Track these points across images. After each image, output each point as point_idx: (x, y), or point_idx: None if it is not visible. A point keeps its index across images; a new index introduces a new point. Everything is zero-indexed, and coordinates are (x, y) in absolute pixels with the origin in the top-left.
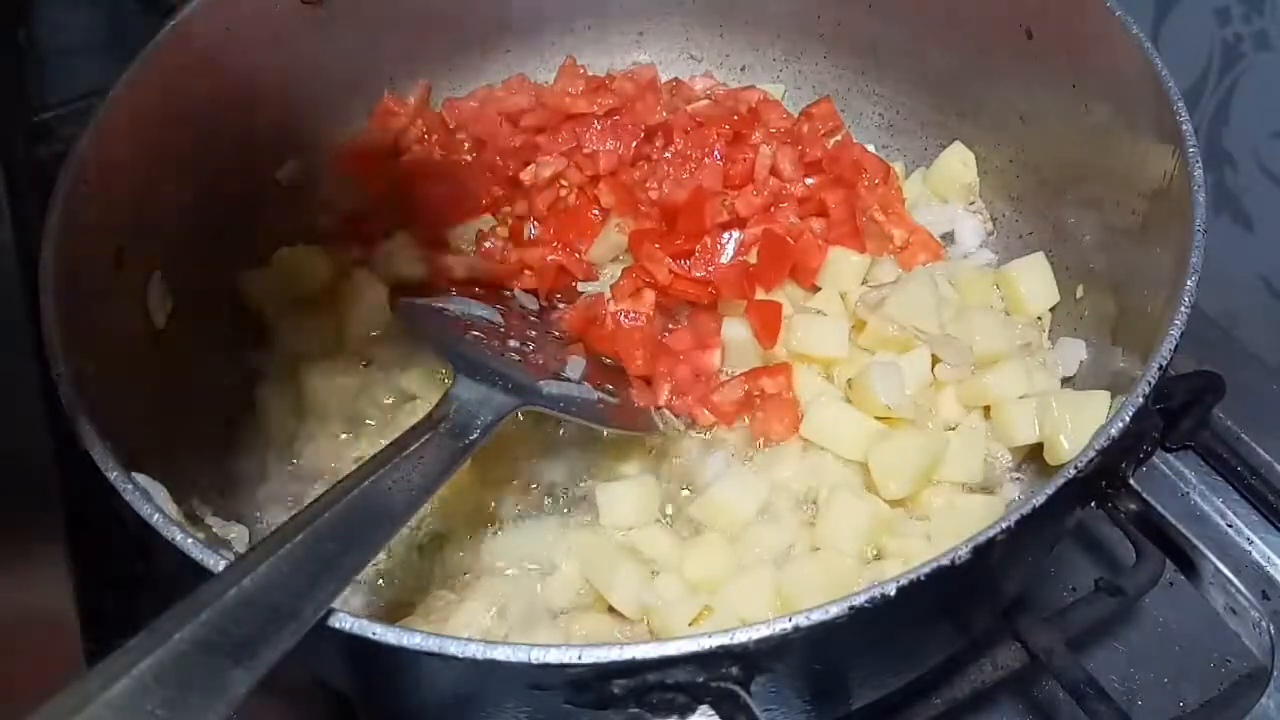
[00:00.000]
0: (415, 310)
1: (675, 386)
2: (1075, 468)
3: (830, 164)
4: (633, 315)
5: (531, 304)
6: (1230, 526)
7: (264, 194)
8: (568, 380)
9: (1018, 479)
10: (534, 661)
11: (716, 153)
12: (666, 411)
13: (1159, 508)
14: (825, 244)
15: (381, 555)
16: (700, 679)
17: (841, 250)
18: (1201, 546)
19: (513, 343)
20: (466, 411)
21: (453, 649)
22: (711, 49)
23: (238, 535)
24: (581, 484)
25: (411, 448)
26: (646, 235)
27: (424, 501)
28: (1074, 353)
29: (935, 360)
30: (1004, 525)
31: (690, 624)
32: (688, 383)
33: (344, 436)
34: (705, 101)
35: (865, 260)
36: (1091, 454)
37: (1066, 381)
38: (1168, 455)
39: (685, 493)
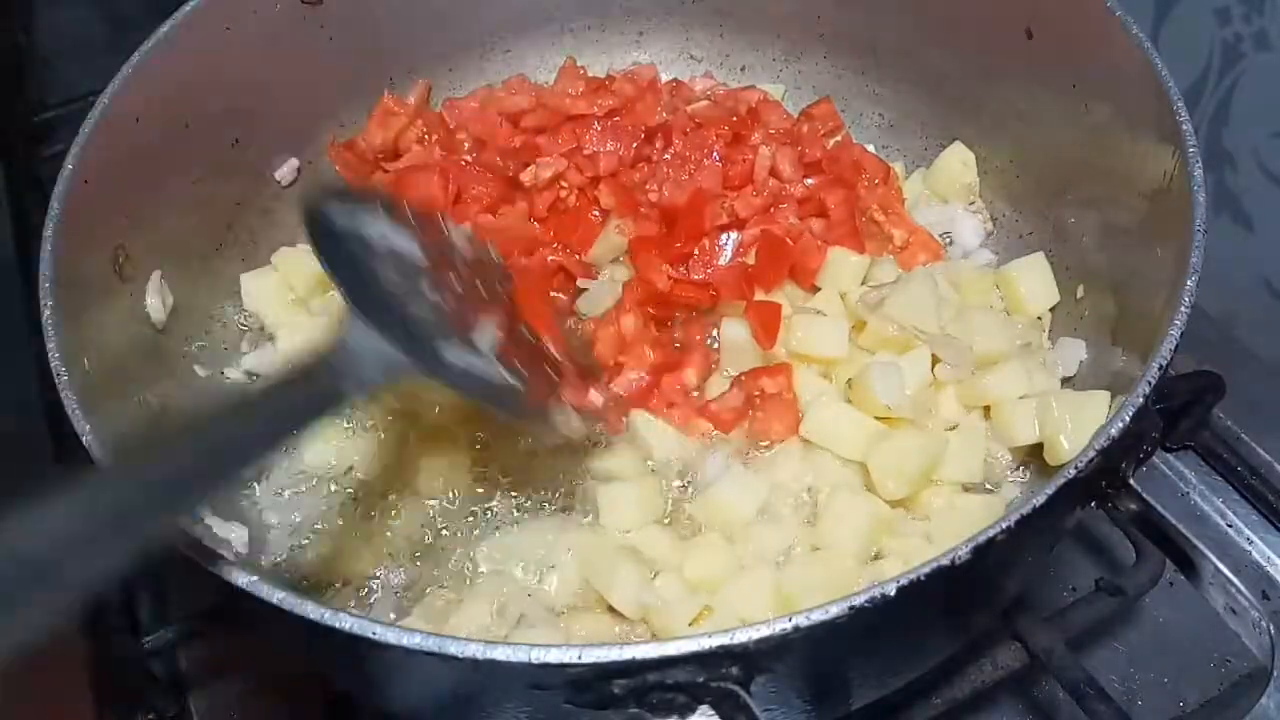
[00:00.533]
0: (331, 230)
1: (662, 397)
2: (1075, 468)
3: (830, 164)
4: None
5: (464, 244)
6: (1230, 526)
7: (264, 194)
8: (476, 351)
9: (1018, 479)
10: (534, 661)
11: (716, 154)
12: (571, 410)
13: (1159, 508)
14: (825, 244)
15: (382, 556)
16: (700, 679)
17: (841, 250)
18: (1201, 546)
19: (432, 289)
20: (353, 363)
21: (453, 649)
22: (711, 49)
23: (237, 535)
24: (581, 484)
25: (283, 392)
26: (646, 244)
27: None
28: (1074, 353)
29: (935, 360)
30: (1004, 525)
31: (690, 624)
32: (676, 396)
33: (344, 435)
34: (705, 102)
35: (865, 260)
36: (1091, 454)
37: (1066, 381)
38: (1168, 455)
39: (685, 493)
